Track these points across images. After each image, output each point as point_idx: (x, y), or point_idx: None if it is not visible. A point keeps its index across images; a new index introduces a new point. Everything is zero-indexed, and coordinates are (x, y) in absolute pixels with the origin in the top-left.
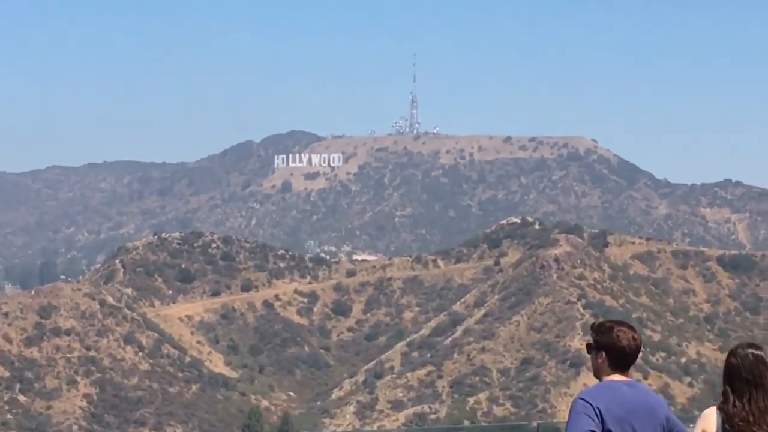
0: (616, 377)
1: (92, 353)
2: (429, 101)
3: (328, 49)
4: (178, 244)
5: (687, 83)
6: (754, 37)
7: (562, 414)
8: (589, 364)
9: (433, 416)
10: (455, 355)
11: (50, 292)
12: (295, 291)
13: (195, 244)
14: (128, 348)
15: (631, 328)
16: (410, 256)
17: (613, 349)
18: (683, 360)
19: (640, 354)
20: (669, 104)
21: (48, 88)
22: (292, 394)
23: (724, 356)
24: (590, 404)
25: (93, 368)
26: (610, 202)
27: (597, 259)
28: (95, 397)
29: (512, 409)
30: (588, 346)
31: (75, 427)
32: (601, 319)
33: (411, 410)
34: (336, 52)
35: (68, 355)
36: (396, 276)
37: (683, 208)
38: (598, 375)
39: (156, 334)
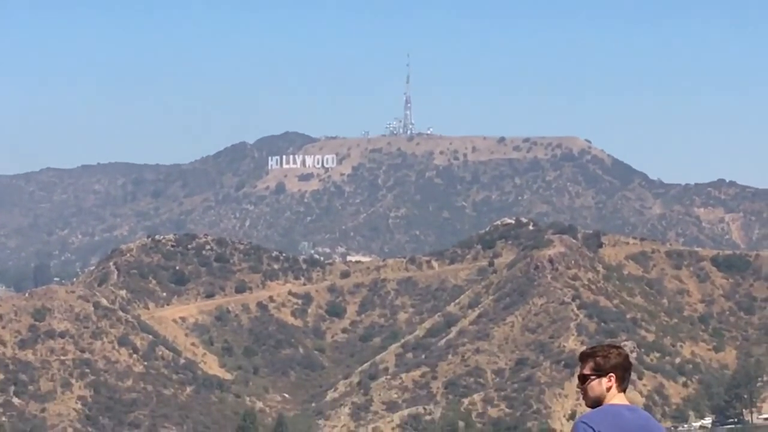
0: (617, 401)
1: (86, 355)
2: (423, 102)
3: (322, 50)
4: (172, 246)
5: (681, 84)
6: (749, 39)
7: (557, 414)
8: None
9: (427, 417)
10: (450, 356)
11: (44, 294)
12: (289, 292)
13: (189, 246)
14: (123, 350)
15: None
16: (404, 258)
17: (623, 368)
18: (677, 360)
19: (633, 354)
20: (663, 105)
21: (41, 90)
22: (286, 395)
23: (718, 356)
24: (592, 428)
25: (87, 370)
26: (603, 203)
27: (591, 260)
28: (90, 400)
29: (507, 410)
30: (583, 376)
31: (70, 430)
32: (588, 347)
33: (406, 411)
34: (329, 53)
35: (62, 358)
36: (390, 277)
37: (677, 208)
38: (599, 402)
39: (150, 336)
